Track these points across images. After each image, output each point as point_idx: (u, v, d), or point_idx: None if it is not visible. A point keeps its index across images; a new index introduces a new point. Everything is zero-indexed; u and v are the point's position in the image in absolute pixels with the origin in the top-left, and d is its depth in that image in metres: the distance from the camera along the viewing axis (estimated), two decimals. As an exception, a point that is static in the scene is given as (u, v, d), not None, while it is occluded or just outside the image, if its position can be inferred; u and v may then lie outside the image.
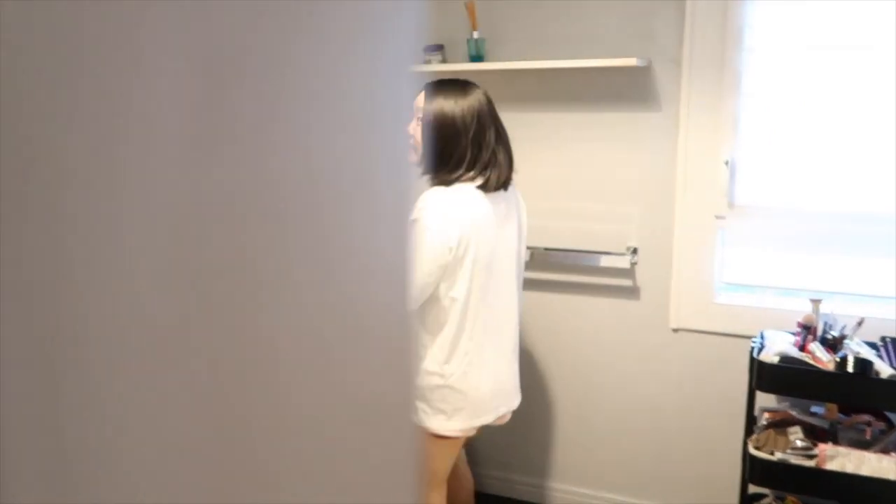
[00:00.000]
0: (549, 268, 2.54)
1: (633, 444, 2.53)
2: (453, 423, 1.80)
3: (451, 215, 1.70)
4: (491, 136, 1.77)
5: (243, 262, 0.32)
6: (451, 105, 1.74)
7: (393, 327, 0.45)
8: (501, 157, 1.79)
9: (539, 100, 2.46)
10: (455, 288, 1.73)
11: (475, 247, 1.72)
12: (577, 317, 2.54)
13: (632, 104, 2.35)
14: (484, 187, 1.74)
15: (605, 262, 2.42)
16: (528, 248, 2.50)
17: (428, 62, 2.45)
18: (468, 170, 1.74)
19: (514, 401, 1.96)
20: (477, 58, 2.42)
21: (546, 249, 2.50)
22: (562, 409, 2.62)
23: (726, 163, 2.25)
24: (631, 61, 2.20)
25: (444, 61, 2.46)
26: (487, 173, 1.75)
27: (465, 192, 1.73)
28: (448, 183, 1.73)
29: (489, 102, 1.81)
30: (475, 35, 2.41)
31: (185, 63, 0.29)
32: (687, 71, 2.25)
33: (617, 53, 2.27)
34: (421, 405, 1.79)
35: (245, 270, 0.32)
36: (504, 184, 1.80)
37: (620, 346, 2.50)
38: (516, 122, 2.48)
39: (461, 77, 1.91)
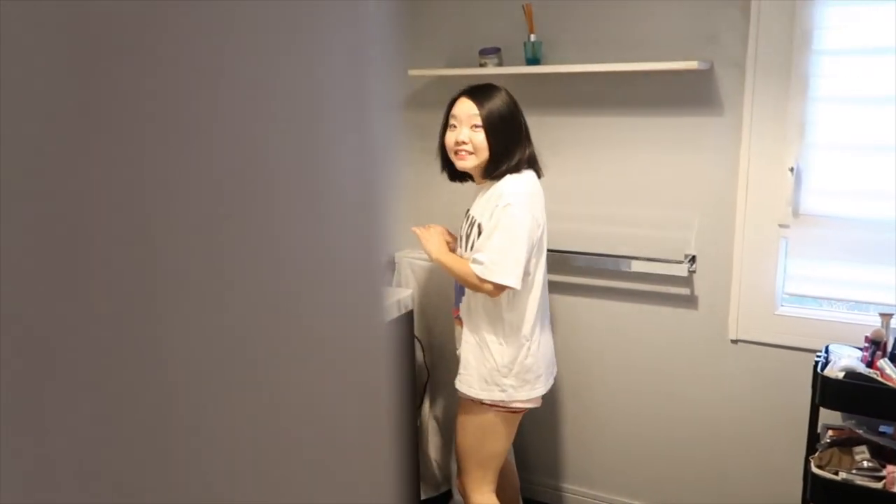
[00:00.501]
0: (603, 274, 2.50)
1: (687, 458, 2.47)
2: (537, 390, 2.03)
3: (534, 197, 1.95)
4: (528, 130, 2.02)
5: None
6: (506, 104, 1.96)
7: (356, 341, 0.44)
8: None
9: (596, 103, 2.42)
10: (539, 264, 2.00)
11: (545, 225, 2.00)
12: (632, 325, 2.49)
13: (692, 108, 2.29)
14: (537, 173, 2.01)
15: (661, 269, 2.37)
16: (582, 253, 2.48)
17: (483, 65, 2.44)
18: (527, 160, 1.98)
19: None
20: (534, 60, 2.40)
21: (600, 255, 2.46)
22: (612, 418, 2.57)
23: (791, 169, 2.17)
24: (692, 64, 2.14)
25: (500, 64, 2.44)
26: (535, 162, 2.02)
27: (533, 177, 1.98)
28: (517, 170, 1.95)
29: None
30: (532, 38, 2.38)
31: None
32: (751, 74, 2.18)
33: (677, 56, 2.21)
34: (507, 381, 1.97)
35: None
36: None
37: (676, 355, 2.44)
38: (573, 126, 2.45)
39: (497, 80, 1.94)
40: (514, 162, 1.94)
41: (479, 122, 1.92)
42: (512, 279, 1.86)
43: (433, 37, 2.62)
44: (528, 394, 2.00)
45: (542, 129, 2.49)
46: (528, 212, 1.90)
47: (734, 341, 2.34)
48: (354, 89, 0.43)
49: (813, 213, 2.17)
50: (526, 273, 1.94)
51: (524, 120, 2.01)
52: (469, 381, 2.02)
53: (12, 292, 0.25)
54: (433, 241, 2.03)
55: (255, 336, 0.36)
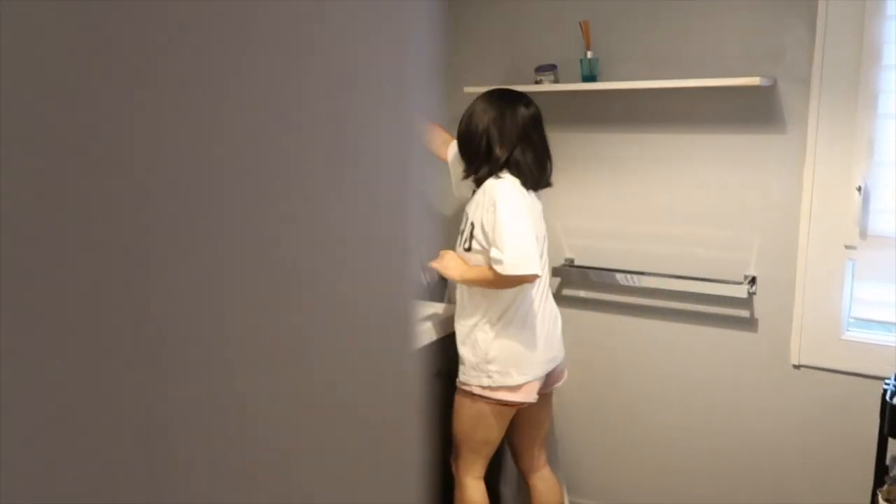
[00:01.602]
0: (659, 294, 2.44)
1: (746, 488, 2.37)
2: (523, 377, 2.08)
3: (516, 196, 2.02)
4: (508, 137, 2.04)
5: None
6: (471, 111, 2.09)
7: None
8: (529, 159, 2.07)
9: (654, 120, 2.38)
10: None
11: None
12: (689, 347, 2.43)
13: (754, 125, 2.23)
14: (523, 181, 2.06)
15: (720, 290, 2.30)
16: (637, 272, 2.43)
17: (539, 81, 2.43)
18: (501, 165, 2.04)
19: (558, 360, 2.23)
20: (590, 77, 2.38)
21: (656, 275, 2.40)
22: (667, 444, 2.50)
23: (859, 189, 2.09)
24: (754, 81, 2.09)
25: (555, 81, 2.43)
26: (516, 168, 2.05)
27: (512, 183, 2.03)
28: (495, 175, 2.04)
29: (513, 107, 2.07)
30: (589, 54, 2.37)
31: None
32: (817, 90, 2.12)
33: (738, 72, 2.16)
34: (492, 367, 2.06)
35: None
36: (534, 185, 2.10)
37: (735, 380, 2.36)
38: (630, 143, 2.42)
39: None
40: (480, 165, 2.05)
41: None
42: (533, 267, 1.96)
43: (491, 54, 2.63)
44: (514, 380, 2.07)
45: (598, 145, 2.47)
46: (512, 204, 1.98)
47: (796, 367, 2.25)
48: (394, 106, 0.43)
49: (882, 234, 2.08)
50: None
51: (502, 125, 2.03)
52: (465, 371, 2.14)
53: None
54: (452, 265, 2.11)
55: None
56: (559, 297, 2.63)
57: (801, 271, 2.21)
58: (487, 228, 2.00)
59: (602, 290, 2.55)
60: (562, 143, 2.54)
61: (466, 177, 2.10)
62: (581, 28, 2.37)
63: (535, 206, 2.08)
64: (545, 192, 2.58)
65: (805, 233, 2.19)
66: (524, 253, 1.95)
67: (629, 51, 2.37)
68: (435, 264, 2.15)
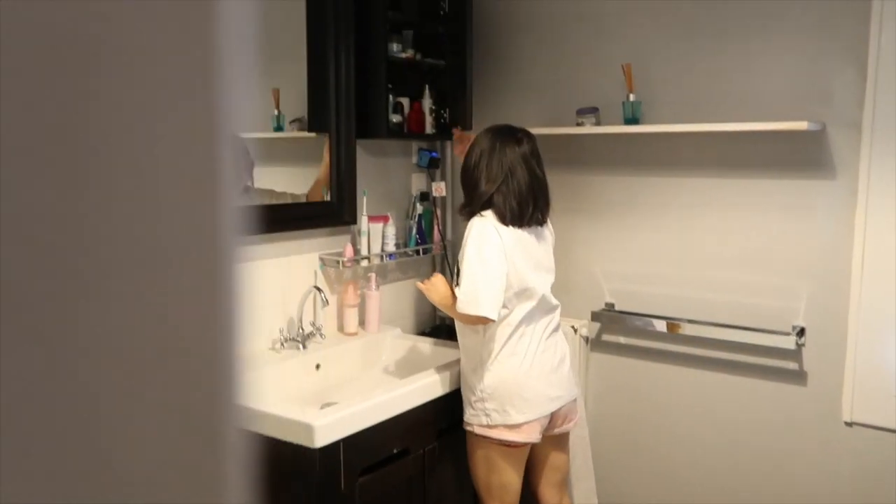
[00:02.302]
0: (702, 343, 2.36)
1: (795, 550, 2.24)
2: (522, 416, 2.01)
3: (487, 236, 1.98)
4: (489, 172, 2.00)
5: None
6: (470, 151, 2.06)
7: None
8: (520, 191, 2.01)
9: (698, 164, 2.34)
10: (517, 303, 2.02)
11: (518, 269, 1.99)
12: (733, 399, 2.33)
13: (802, 171, 2.16)
14: (501, 217, 1.99)
15: (766, 340, 2.21)
16: (678, 319, 2.36)
17: (581, 124, 2.42)
18: (481, 202, 2.01)
19: (564, 399, 2.11)
20: (632, 120, 2.36)
21: (699, 322, 2.33)
22: (708, 500, 2.39)
23: (914, 238, 1.99)
24: (801, 125, 2.03)
25: (597, 123, 2.42)
26: (493, 205, 2.00)
27: (489, 221, 1.99)
28: (476, 212, 2.02)
29: (506, 141, 2.02)
30: (631, 97, 2.35)
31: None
32: (868, 135, 2.05)
33: (784, 116, 2.11)
34: (489, 405, 2.02)
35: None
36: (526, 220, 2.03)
37: (782, 436, 2.25)
38: (673, 187, 2.38)
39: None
40: (469, 201, 2.04)
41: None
42: (485, 309, 1.92)
43: (534, 96, 2.64)
44: (512, 419, 2.01)
45: (640, 188, 2.44)
46: (481, 244, 1.95)
47: (848, 424, 2.14)
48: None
49: (940, 285, 1.98)
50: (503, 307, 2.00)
51: (488, 161, 2.00)
52: (466, 410, 2.09)
53: None
54: (436, 289, 2.09)
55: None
56: (598, 343, 2.57)
57: (852, 323, 2.11)
58: (460, 266, 2.01)
59: (643, 337, 2.48)
60: (602, 186, 2.51)
61: (459, 212, 2.09)
62: (623, 71, 2.36)
63: (523, 242, 2.01)
64: (583, 234, 2.55)
65: (857, 282, 2.10)
66: (477, 294, 1.92)
67: (672, 93, 2.34)
68: (420, 284, 2.14)
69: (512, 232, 1.98)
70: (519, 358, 2.04)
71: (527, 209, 2.00)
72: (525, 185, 2.00)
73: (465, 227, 2.05)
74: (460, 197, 2.16)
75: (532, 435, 2.05)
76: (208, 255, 0.34)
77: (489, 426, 2.03)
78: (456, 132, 2.48)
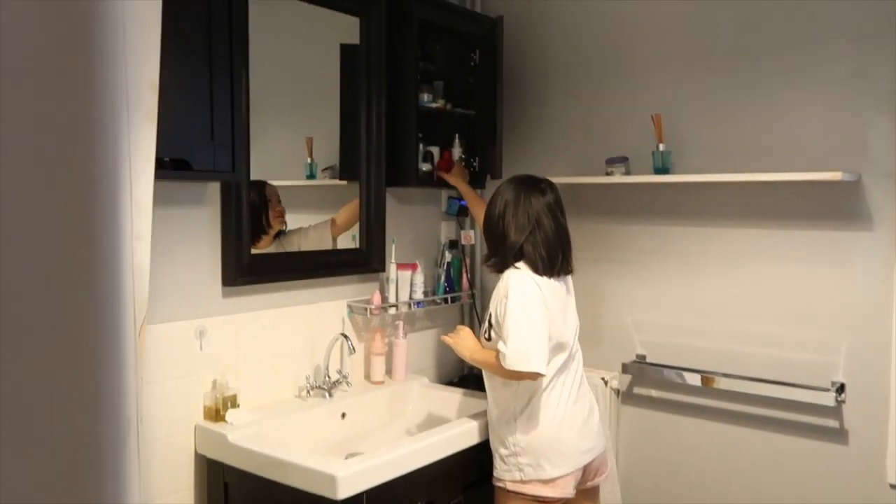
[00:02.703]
0: (736, 398, 2.29)
1: None
2: (557, 470, 1.96)
3: (529, 289, 1.94)
4: (517, 222, 1.99)
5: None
6: (492, 198, 2.05)
7: None
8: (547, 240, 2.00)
9: (730, 215, 2.30)
10: (553, 357, 1.97)
11: (557, 323, 1.97)
12: (769, 457, 2.24)
13: (837, 222, 2.12)
14: (535, 268, 1.98)
15: (804, 396, 2.14)
16: (712, 373, 2.30)
17: (610, 173, 2.41)
18: (513, 253, 1.98)
19: (596, 451, 2.08)
20: (662, 170, 2.34)
21: (733, 377, 2.26)
22: (749, 564, 2.28)
23: (958, 292, 1.93)
24: (836, 175, 2.00)
25: (627, 173, 2.41)
26: (526, 257, 1.98)
27: (526, 273, 1.96)
28: (509, 264, 1.99)
29: (530, 193, 2.01)
30: (661, 147, 2.34)
31: None
32: (906, 187, 2.01)
33: (818, 167, 2.08)
34: (523, 460, 1.97)
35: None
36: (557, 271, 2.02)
37: (822, 497, 2.15)
38: (705, 237, 2.35)
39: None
40: (497, 252, 2.02)
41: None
42: (535, 365, 1.88)
43: (563, 145, 2.65)
44: (547, 473, 1.96)
45: (671, 238, 2.41)
46: (524, 297, 1.92)
47: (893, 486, 2.04)
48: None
49: None
50: None
51: (515, 212, 1.98)
52: (496, 465, 2.04)
53: None
54: (465, 343, 2.07)
55: None
56: (629, 396, 2.51)
57: (895, 379, 2.03)
58: (501, 320, 1.94)
59: (675, 391, 2.42)
60: (632, 236, 2.49)
61: (485, 263, 2.07)
62: (653, 121, 2.36)
63: (557, 293, 2.00)
64: (613, 283, 2.52)
65: (898, 337, 2.03)
66: (527, 349, 1.88)
67: (702, 143, 2.33)
68: (447, 338, 2.10)
69: (547, 283, 1.96)
70: (552, 410, 2.00)
71: (556, 258, 1.99)
72: (553, 235, 1.99)
73: (493, 278, 2.04)
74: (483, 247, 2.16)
75: (567, 489, 2.00)
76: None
77: (523, 481, 1.98)
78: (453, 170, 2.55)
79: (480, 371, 2.70)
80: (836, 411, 2.13)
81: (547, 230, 1.98)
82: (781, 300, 2.22)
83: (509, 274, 1.97)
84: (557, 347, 1.98)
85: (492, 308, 2.01)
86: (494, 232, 2.02)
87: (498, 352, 1.92)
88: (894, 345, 2.03)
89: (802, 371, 2.17)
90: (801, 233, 2.18)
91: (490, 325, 2.01)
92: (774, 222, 2.23)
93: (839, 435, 2.13)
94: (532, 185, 2.03)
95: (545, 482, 1.97)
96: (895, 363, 2.03)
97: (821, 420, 2.15)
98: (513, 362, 1.88)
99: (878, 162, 2.05)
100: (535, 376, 1.91)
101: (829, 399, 2.09)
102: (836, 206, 2.12)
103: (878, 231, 2.06)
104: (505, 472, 2.00)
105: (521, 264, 1.98)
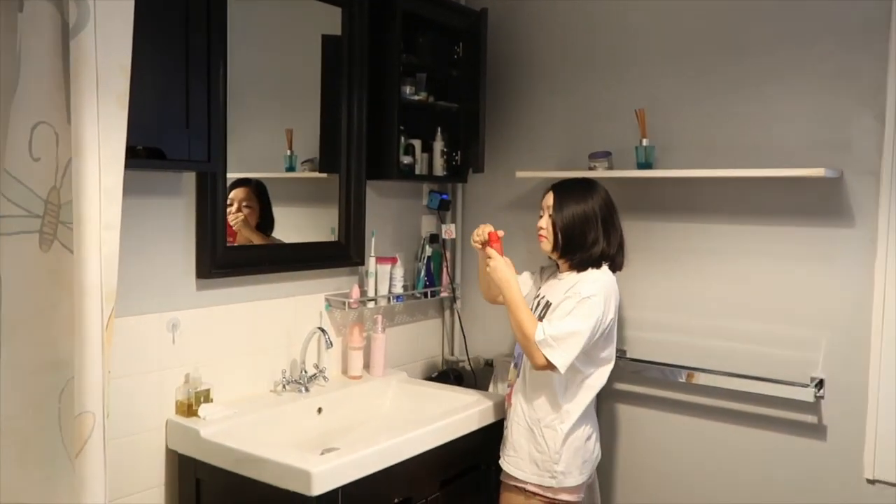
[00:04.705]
0: (717, 393, 2.29)
1: None
2: (584, 475, 2.03)
3: (610, 294, 2.01)
4: (612, 226, 2.07)
5: None
6: (584, 200, 2.05)
7: None
8: (619, 243, 2.10)
9: (713, 211, 2.30)
10: (609, 353, 2.05)
11: (615, 317, 2.05)
12: (749, 452, 2.24)
13: (819, 218, 2.12)
14: (612, 268, 2.08)
15: (783, 392, 2.14)
16: (692, 368, 2.29)
17: (593, 168, 2.40)
18: (607, 256, 2.05)
19: None
20: (645, 165, 2.33)
21: (713, 372, 2.26)
22: (727, 560, 2.28)
23: (937, 289, 1.93)
24: (818, 172, 2.00)
25: (610, 167, 2.40)
26: (615, 258, 2.08)
27: (609, 274, 2.05)
28: (597, 264, 2.04)
29: (608, 196, 2.10)
30: (644, 142, 2.33)
31: None
32: (888, 183, 2.00)
33: (802, 163, 2.08)
34: (559, 467, 1.97)
35: None
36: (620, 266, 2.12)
37: (800, 492, 2.15)
38: (687, 233, 2.34)
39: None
40: (587, 255, 2.03)
41: (552, 211, 2.07)
42: (562, 361, 1.90)
43: (546, 140, 2.63)
44: (575, 480, 2.00)
45: (653, 235, 2.40)
46: (601, 309, 1.95)
47: (871, 481, 2.04)
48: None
49: (965, 339, 1.91)
50: (592, 362, 2.02)
51: (609, 217, 2.06)
52: (519, 464, 2.03)
53: None
54: (503, 269, 2.05)
55: None
56: (611, 391, 2.50)
57: (874, 375, 2.04)
58: (565, 304, 1.95)
59: (657, 386, 2.41)
60: (615, 231, 2.47)
61: (561, 256, 2.07)
62: (637, 116, 2.35)
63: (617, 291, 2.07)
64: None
65: (878, 333, 2.03)
66: (569, 348, 1.90)
67: (686, 139, 2.32)
68: (494, 254, 2.05)
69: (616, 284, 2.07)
70: (590, 420, 2.07)
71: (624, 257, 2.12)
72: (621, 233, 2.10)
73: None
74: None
75: (582, 493, 2.07)
76: None
77: (553, 489, 1.99)
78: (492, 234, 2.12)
79: (459, 366, 2.69)
80: (814, 407, 2.13)
81: (619, 230, 2.10)
82: (763, 296, 2.21)
83: (592, 276, 2.01)
84: (609, 357, 2.06)
85: (552, 298, 2.02)
86: (589, 231, 2.03)
87: (537, 323, 1.94)
88: (873, 340, 2.04)
89: (782, 367, 2.17)
90: (784, 229, 2.18)
91: (541, 316, 2.00)
92: (757, 218, 2.22)
93: (818, 431, 2.13)
94: (600, 185, 2.10)
95: (571, 490, 2.01)
96: (874, 359, 2.04)
97: (800, 416, 2.15)
98: (546, 340, 1.89)
99: (860, 159, 2.05)
100: (551, 367, 1.91)
101: (808, 395, 2.09)
102: (819, 203, 2.11)
103: (859, 228, 2.06)
104: (533, 476, 2.00)
105: (604, 266, 2.05)
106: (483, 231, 2.10)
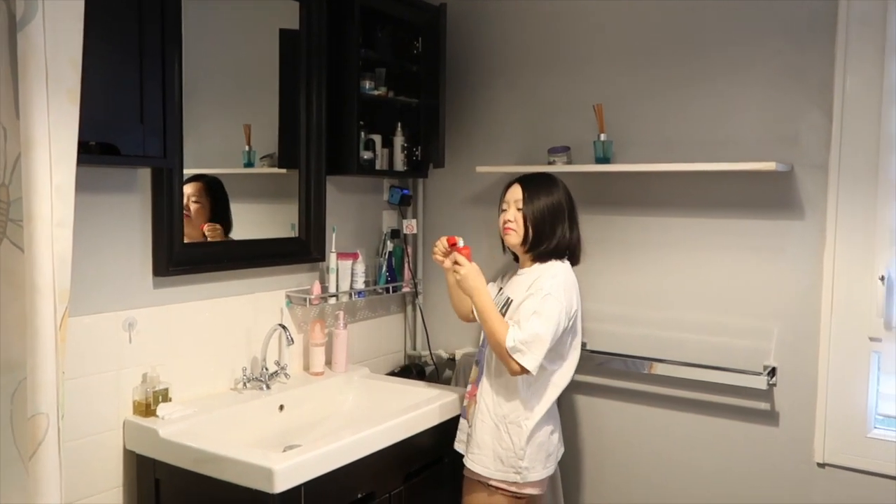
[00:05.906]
0: (673, 383, 2.34)
1: None
2: (547, 469, 2.06)
3: (570, 287, 2.03)
4: (575, 219, 2.11)
5: None
6: (551, 192, 2.06)
7: None
8: (578, 236, 2.13)
9: (668, 203, 2.34)
10: (574, 345, 2.08)
11: (579, 309, 2.08)
12: (705, 439, 2.30)
13: (771, 211, 2.18)
14: (571, 261, 2.11)
15: (737, 380, 2.19)
16: (647, 359, 2.34)
17: (552, 162, 2.42)
18: (568, 246, 2.08)
19: None
20: (604, 159, 2.36)
21: (668, 362, 2.31)
22: (684, 546, 2.34)
23: (882, 278, 2.00)
24: (769, 165, 2.05)
25: (569, 162, 2.42)
26: (575, 251, 2.12)
27: (569, 268, 2.08)
28: (559, 256, 2.06)
29: (569, 191, 2.12)
30: (602, 137, 2.36)
31: None
32: (835, 177, 2.07)
33: (754, 157, 2.13)
34: (523, 463, 1.99)
35: None
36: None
37: (753, 477, 2.21)
38: (643, 226, 2.38)
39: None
40: (552, 246, 2.04)
41: (521, 204, 2.06)
42: (533, 364, 1.92)
43: (505, 135, 2.65)
44: (539, 474, 2.02)
45: (611, 228, 2.43)
46: (563, 304, 1.97)
47: (821, 465, 2.11)
48: None
49: (908, 326, 1.98)
50: (560, 356, 2.04)
51: (572, 210, 2.10)
52: (483, 461, 2.03)
53: None
54: (474, 278, 2.03)
55: None
56: (570, 383, 2.53)
57: (823, 363, 2.10)
58: (531, 302, 1.96)
59: (614, 377, 2.45)
60: (574, 225, 2.50)
61: (530, 249, 2.06)
62: (595, 111, 2.38)
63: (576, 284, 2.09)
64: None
65: (826, 323, 2.09)
66: (536, 346, 1.92)
67: (643, 134, 2.36)
68: (461, 260, 2.02)
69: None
70: (553, 415, 2.09)
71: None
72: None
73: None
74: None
75: (545, 487, 2.10)
76: None
77: (518, 484, 2.01)
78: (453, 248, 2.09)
79: (421, 361, 2.70)
80: (767, 394, 2.19)
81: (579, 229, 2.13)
82: (718, 287, 2.26)
83: (553, 270, 2.02)
84: (576, 351, 2.09)
85: (513, 296, 2.04)
86: (555, 222, 2.05)
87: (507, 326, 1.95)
88: (822, 329, 2.10)
89: (736, 356, 2.22)
90: (737, 222, 2.23)
91: (503, 313, 2.02)
92: (711, 211, 2.27)
93: (770, 417, 2.20)
94: (553, 179, 2.11)
95: (535, 483, 2.03)
96: (823, 347, 2.10)
97: (753, 403, 2.21)
98: (517, 344, 1.90)
99: (809, 153, 2.11)
100: (522, 371, 1.92)
101: (761, 382, 2.15)
102: (771, 196, 2.17)
103: (808, 220, 2.12)
104: (498, 472, 2.01)
105: (566, 261, 2.08)
106: (441, 241, 2.07)
